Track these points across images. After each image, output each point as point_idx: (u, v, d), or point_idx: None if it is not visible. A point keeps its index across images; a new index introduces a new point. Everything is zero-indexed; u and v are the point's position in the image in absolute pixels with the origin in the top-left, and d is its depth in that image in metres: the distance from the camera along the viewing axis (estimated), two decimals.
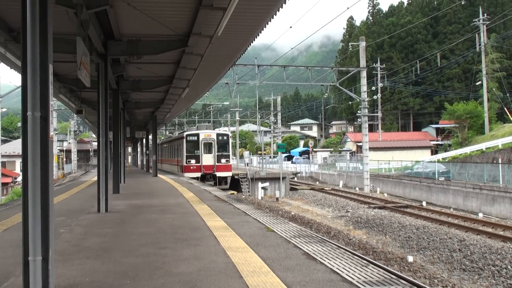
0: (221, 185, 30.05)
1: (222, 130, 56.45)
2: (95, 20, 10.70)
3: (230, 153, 32.03)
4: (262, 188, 32.31)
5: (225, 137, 31.54)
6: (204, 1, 9.94)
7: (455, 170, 31.20)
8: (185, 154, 30.45)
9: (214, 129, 38.24)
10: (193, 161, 30.37)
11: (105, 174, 11.95)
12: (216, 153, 30.59)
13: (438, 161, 39.00)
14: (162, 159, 44.74)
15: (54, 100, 36.36)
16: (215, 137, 30.91)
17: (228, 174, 31.27)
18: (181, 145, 31.34)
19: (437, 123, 67.72)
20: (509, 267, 13.03)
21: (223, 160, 30.77)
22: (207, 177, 30.21)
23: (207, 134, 31.06)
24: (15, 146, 55.59)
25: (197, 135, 30.91)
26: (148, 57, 14.48)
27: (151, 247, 7.16)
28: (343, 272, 5.59)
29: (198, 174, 30.00)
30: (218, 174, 30.67)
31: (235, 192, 27.86)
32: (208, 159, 30.50)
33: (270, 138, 73.98)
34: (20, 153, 4.62)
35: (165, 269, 5.80)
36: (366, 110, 35.65)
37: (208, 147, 30.72)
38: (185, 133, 31.82)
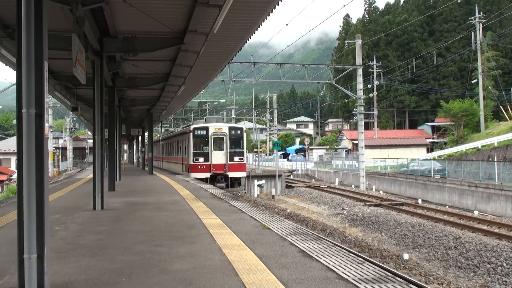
0: (234, 187, 26.86)
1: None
2: (91, 17, 10.66)
3: (245, 150, 27.88)
4: (258, 185, 32.23)
5: (238, 131, 27.30)
6: None
7: (450, 168, 31.31)
8: (191, 151, 26.45)
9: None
10: (201, 159, 26.39)
11: (100, 172, 11.93)
12: (228, 150, 26.57)
13: (434, 159, 39.12)
14: (163, 156, 41.31)
15: (50, 97, 36.27)
16: (227, 131, 26.77)
17: (242, 174, 27.41)
18: (187, 140, 27.35)
19: (433, 121, 67.89)
20: (504, 264, 13.09)
21: (236, 158, 26.74)
22: (218, 178, 26.38)
23: (217, 127, 26.93)
24: (11, 143, 55.48)
25: (206, 128, 26.76)
26: (144, 55, 14.44)
27: (147, 245, 7.14)
28: (338, 269, 5.60)
29: (207, 175, 26.16)
30: (231, 174, 26.72)
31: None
32: (219, 157, 26.53)
33: (266, 135, 74.03)
34: (15, 151, 4.60)
35: (160, 267, 5.79)
36: (362, 108, 35.70)
37: (219, 143, 26.78)
38: (192, 127, 27.44)
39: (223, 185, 25.81)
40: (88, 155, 67.12)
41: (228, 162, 26.59)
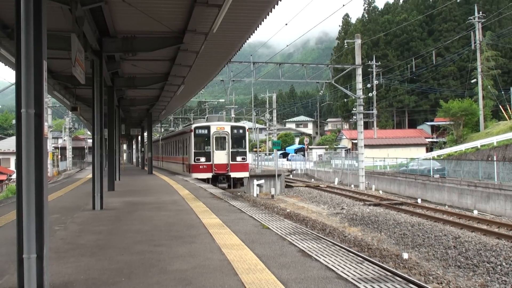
0: (236, 187, 26.53)
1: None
2: (90, 17, 10.65)
3: (247, 149, 27.39)
4: (258, 185, 32.19)
5: (241, 130, 26.88)
6: None
7: (450, 168, 31.30)
8: (193, 150, 25.96)
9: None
10: (202, 159, 25.93)
11: (100, 172, 11.92)
12: (230, 150, 26.11)
13: (433, 158, 39.12)
14: (163, 156, 40.90)
15: (49, 97, 36.24)
16: (229, 130, 26.37)
17: (244, 174, 27.00)
18: (188, 140, 26.89)
19: (432, 120, 67.95)
20: (504, 263, 13.09)
21: (238, 158, 26.29)
22: (220, 178, 25.90)
23: (219, 126, 26.55)
24: (10, 143, 55.48)
25: (208, 127, 26.36)
26: (143, 54, 14.44)
27: (146, 245, 7.14)
28: (338, 269, 5.60)
29: (209, 175, 25.71)
30: (233, 174, 26.20)
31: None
32: (220, 157, 26.06)
33: (266, 135, 74.02)
34: (15, 150, 4.60)
35: (160, 267, 5.79)
36: (362, 108, 35.68)
37: (221, 143, 26.30)
38: (193, 126, 27.09)
39: (225, 185, 25.44)
40: (88, 155, 67.08)
41: (230, 162, 26.12)
